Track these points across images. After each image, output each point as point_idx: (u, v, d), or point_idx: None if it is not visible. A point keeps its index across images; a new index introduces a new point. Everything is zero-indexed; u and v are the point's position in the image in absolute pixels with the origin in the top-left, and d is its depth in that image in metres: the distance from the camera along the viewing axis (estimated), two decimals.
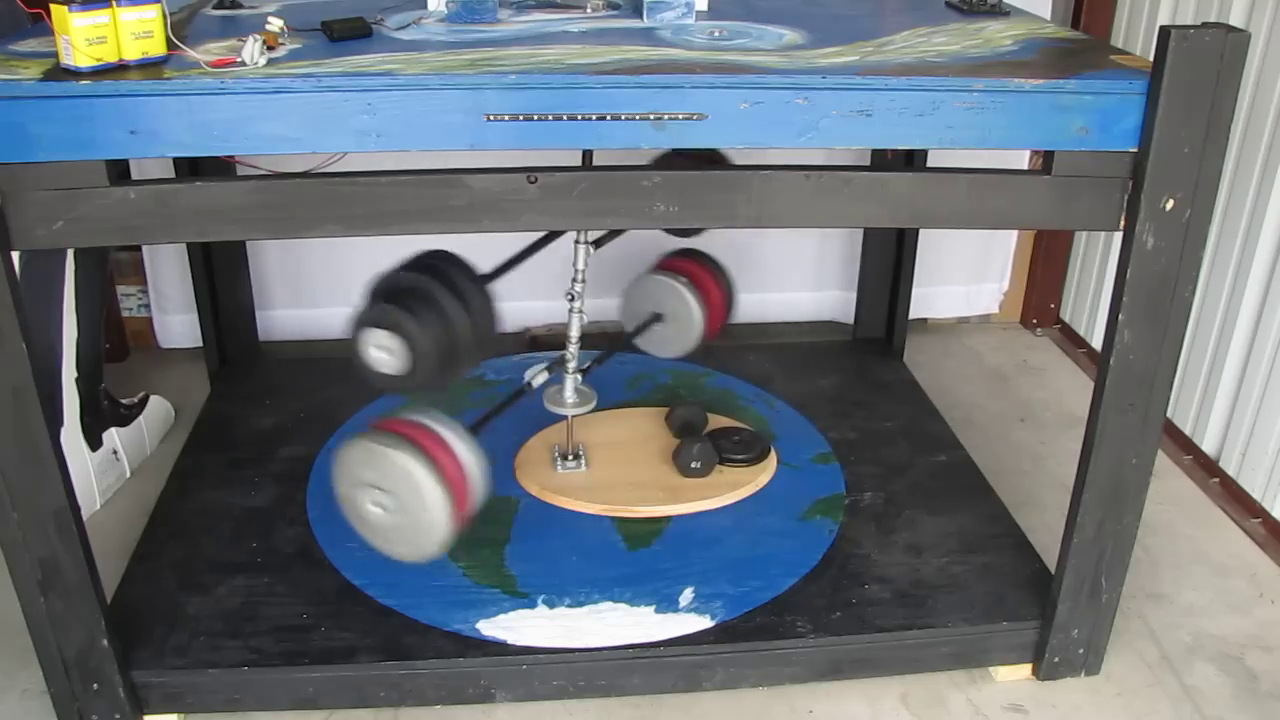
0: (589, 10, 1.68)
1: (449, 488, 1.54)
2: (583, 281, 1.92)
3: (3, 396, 1.36)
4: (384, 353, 1.56)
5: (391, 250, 2.71)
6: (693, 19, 1.63)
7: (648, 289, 2.14)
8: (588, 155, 1.68)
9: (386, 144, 1.29)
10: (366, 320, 1.57)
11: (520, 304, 2.71)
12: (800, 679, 1.78)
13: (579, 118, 1.30)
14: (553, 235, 1.88)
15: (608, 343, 2.29)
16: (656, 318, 2.14)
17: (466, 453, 1.59)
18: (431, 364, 1.55)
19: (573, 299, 1.93)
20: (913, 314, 2.72)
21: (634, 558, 1.88)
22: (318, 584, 1.82)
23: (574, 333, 1.96)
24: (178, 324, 2.69)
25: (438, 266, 1.62)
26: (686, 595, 1.79)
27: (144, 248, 2.62)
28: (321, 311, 2.74)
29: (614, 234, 1.99)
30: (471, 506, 1.61)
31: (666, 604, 1.78)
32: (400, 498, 1.55)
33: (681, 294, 2.08)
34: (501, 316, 1.67)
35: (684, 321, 2.11)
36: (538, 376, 1.94)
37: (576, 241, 1.90)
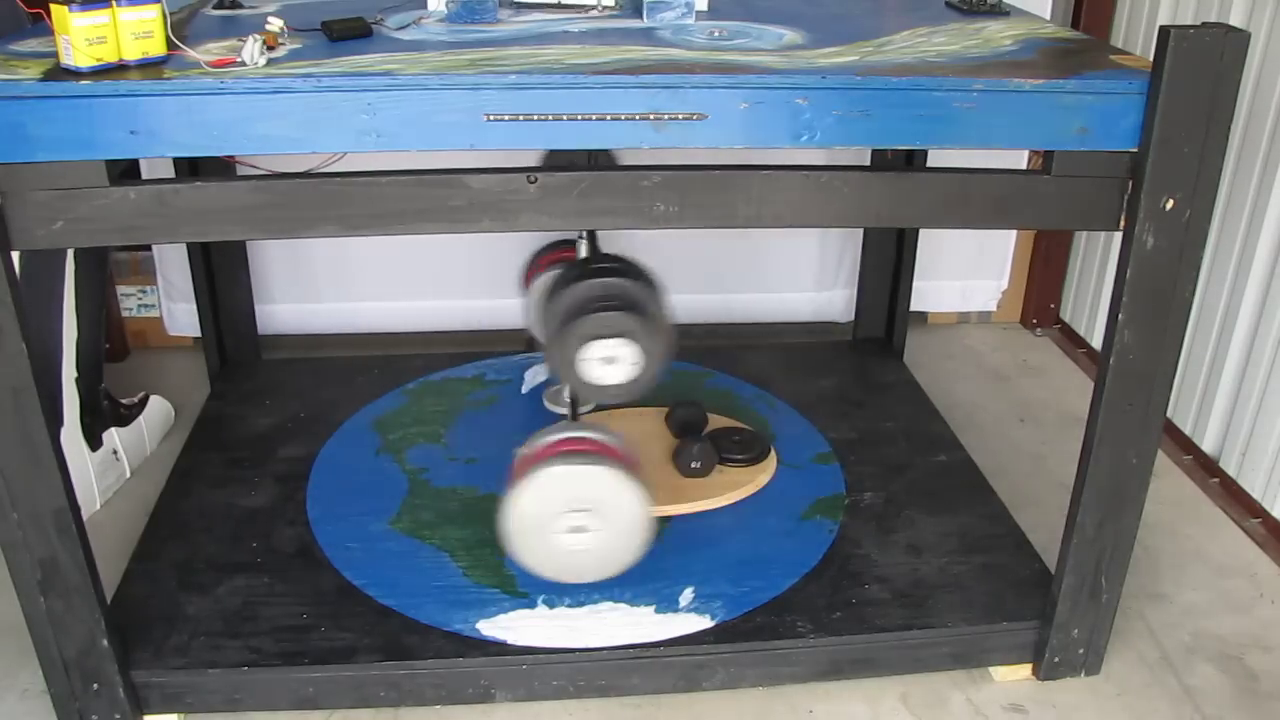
0: (596, 11, 1.68)
1: (635, 476, 1.53)
2: None
3: (3, 396, 1.36)
4: (611, 364, 1.51)
5: (393, 249, 2.73)
6: (693, 19, 1.63)
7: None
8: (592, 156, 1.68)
9: (386, 144, 1.29)
10: (585, 334, 1.50)
11: (520, 303, 2.71)
12: (800, 679, 1.78)
13: (579, 118, 1.30)
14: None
15: None
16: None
17: (610, 438, 1.58)
18: (659, 362, 1.51)
19: None
20: (911, 307, 2.72)
21: None
22: (317, 584, 1.82)
23: None
24: (184, 312, 2.69)
25: (611, 268, 1.58)
26: (686, 595, 1.79)
27: None
28: (324, 306, 2.74)
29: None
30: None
31: (666, 604, 1.77)
32: (602, 508, 1.54)
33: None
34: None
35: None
36: (537, 378, 1.94)
37: (577, 239, 1.90)
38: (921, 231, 2.60)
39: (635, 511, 1.55)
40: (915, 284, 2.67)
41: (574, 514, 1.54)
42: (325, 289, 2.72)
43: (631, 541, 1.59)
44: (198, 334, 2.56)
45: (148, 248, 2.67)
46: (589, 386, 1.57)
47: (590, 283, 1.58)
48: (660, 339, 1.53)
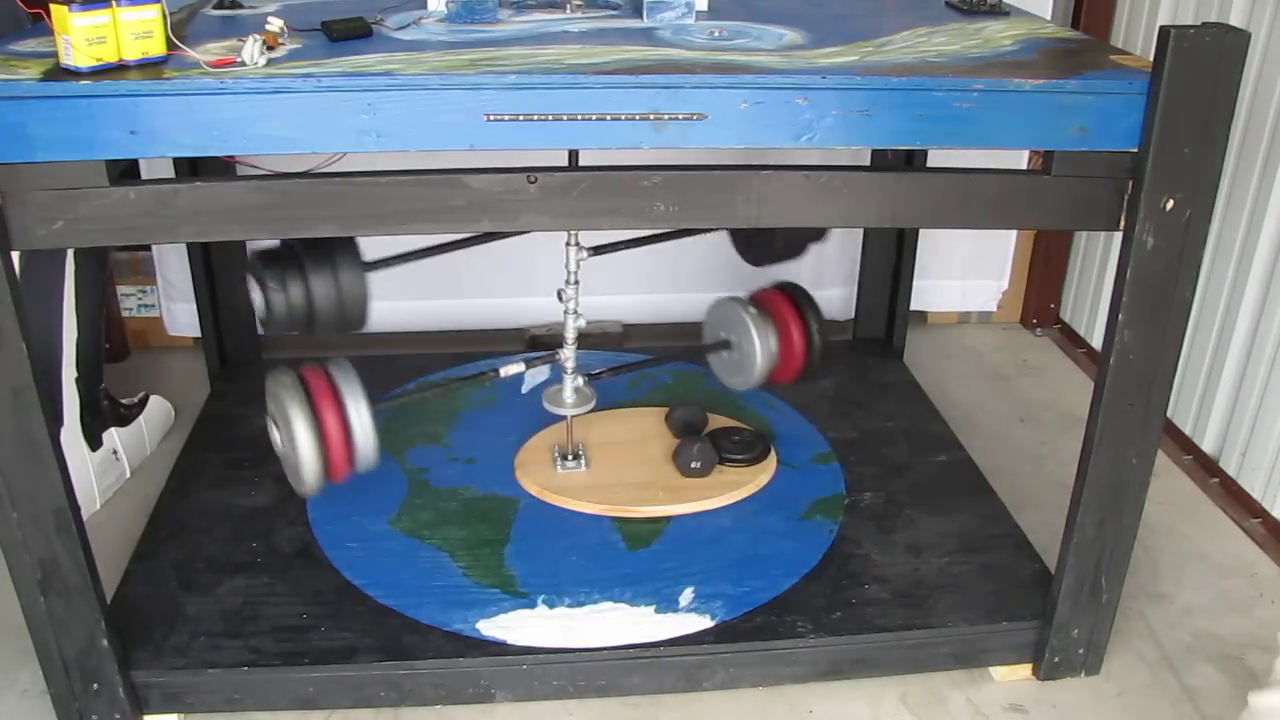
0: (568, 11, 1.68)
1: (323, 442, 1.71)
2: (575, 283, 1.92)
3: (3, 396, 1.36)
4: (255, 297, 1.73)
5: (393, 248, 2.72)
6: (693, 19, 1.63)
7: (725, 313, 2.09)
8: (574, 155, 1.68)
9: (386, 144, 1.29)
10: (248, 267, 1.74)
11: (520, 301, 2.71)
12: (800, 679, 1.78)
13: (579, 118, 1.30)
14: (490, 236, 1.86)
15: (607, 343, 2.29)
16: (725, 344, 2.10)
17: (357, 417, 1.74)
18: (282, 323, 1.73)
19: (563, 300, 1.93)
20: (911, 307, 2.72)
21: (634, 558, 1.88)
22: (318, 584, 1.82)
23: (569, 334, 1.96)
24: (184, 312, 2.69)
25: (329, 244, 1.74)
26: (686, 595, 1.79)
27: None
28: None
29: (616, 245, 1.96)
30: (345, 468, 1.76)
31: (666, 604, 1.77)
32: (287, 434, 1.71)
33: (749, 331, 2.00)
34: (367, 304, 1.79)
35: (746, 358, 2.04)
36: (512, 369, 1.96)
37: (566, 244, 1.90)
38: (921, 231, 2.60)
39: (298, 458, 1.72)
40: (915, 283, 2.67)
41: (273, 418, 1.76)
42: None
43: (297, 476, 1.74)
44: (198, 334, 2.56)
45: (148, 248, 2.67)
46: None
47: (295, 243, 1.76)
48: (283, 310, 1.73)
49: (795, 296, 2.09)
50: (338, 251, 1.73)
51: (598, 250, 1.93)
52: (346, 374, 1.77)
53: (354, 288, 1.75)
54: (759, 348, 2.01)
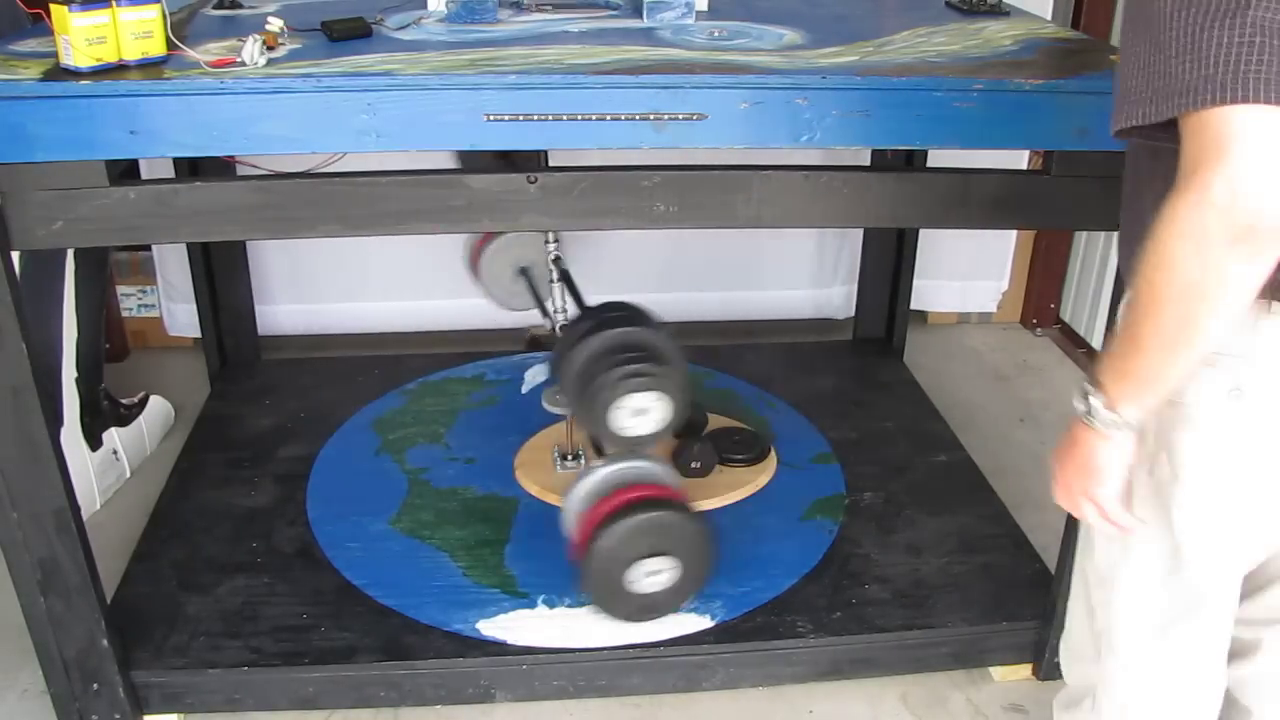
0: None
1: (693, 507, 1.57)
2: (563, 283, 1.92)
3: (3, 396, 1.36)
4: (641, 415, 1.52)
5: (393, 248, 2.73)
6: (693, 19, 1.63)
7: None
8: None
9: (386, 144, 1.29)
10: (614, 391, 1.51)
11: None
12: (800, 679, 1.78)
13: (579, 118, 1.30)
14: None
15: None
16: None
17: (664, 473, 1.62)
18: (683, 406, 1.52)
19: (561, 301, 1.94)
20: (912, 307, 2.72)
21: None
22: (318, 584, 1.82)
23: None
24: (184, 313, 2.70)
25: (613, 318, 1.59)
26: None
27: None
28: (325, 307, 2.74)
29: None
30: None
31: None
32: (679, 553, 1.57)
33: None
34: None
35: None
36: (537, 378, 1.95)
37: (551, 280, 1.90)
38: (921, 231, 2.60)
39: (704, 539, 1.57)
40: (915, 283, 2.67)
41: (650, 562, 1.56)
42: (325, 289, 2.72)
43: (705, 567, 1.61)
44: (198, 334, 2.56)
45: (148, 247, 2.67)
46: (620, 439, 1.58)
47: (609, 334, 1.57)
48: (681, 383, 1.55)
49: None
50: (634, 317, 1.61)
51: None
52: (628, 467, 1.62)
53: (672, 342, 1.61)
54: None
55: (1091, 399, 0.99)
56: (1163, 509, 1.07)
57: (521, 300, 2.17)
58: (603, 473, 1.60)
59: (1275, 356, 0.97)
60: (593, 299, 2.00)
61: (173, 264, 2.64)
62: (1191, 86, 0.79)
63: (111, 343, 2.62)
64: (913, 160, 2.18)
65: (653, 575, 1.57)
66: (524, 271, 2.13)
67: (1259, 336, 0.96)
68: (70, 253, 2.05)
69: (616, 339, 1.56)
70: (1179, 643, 1.16)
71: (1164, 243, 0.83)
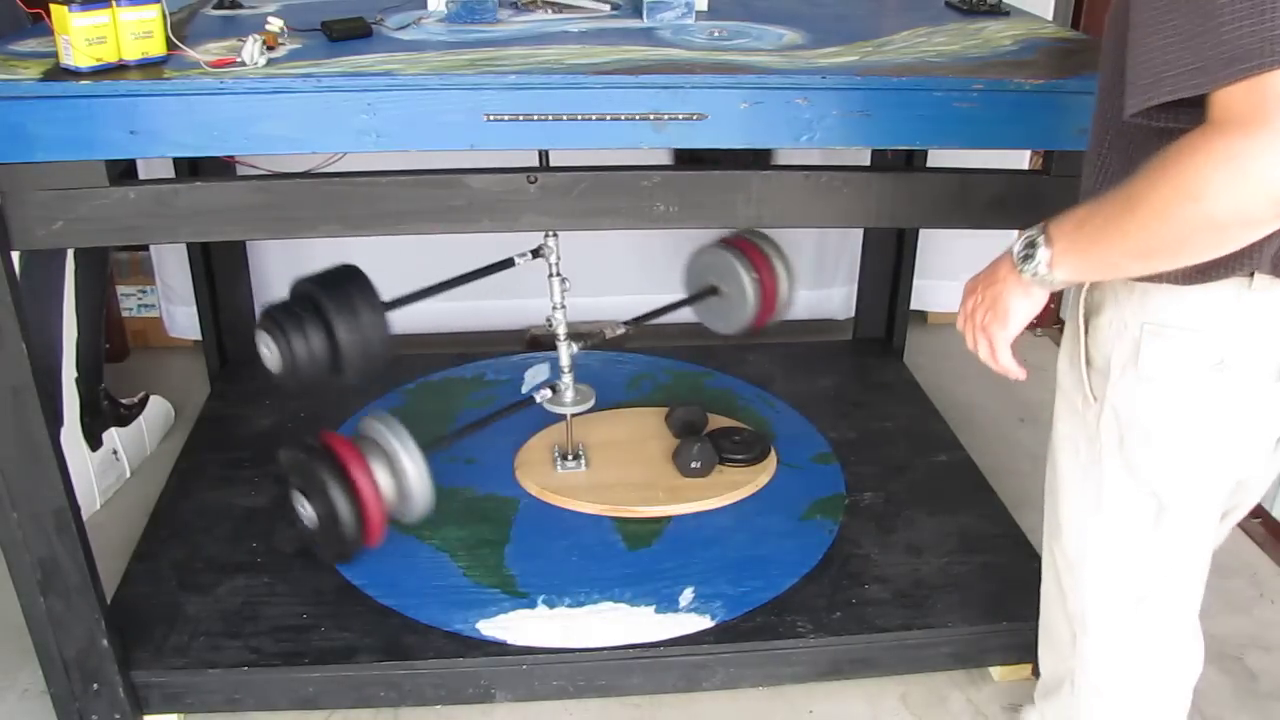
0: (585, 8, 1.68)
1: (361, 512, 1.61)
2: (562, 307, 1.92)
3: (3, 396, 1.36)
4: (267, 351, 1.63)
5: (392, 250, 2.72)
6: (693, 19, 1.63)
7: (714, 261, 2.13)
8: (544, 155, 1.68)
9: (386, 144, 1.29)
10: (262, 320, 1.65)
11: (520, 303, 2.71)
12: (800, 679, 1.78)
13: (579, 118, 1.30)
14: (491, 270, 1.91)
15: (607, 344, 2.28)
16: (713, 290, 2.15)
17: (389, 479, 1.64)
18: (304, 374, 1.63)
19: (553, 325, 1.94)
20: (912, 306, 2.71)
21: (634, 558, 1.88)
22: (318, 584, 1.81)
23: (561, 330, 1.96)
24: (184, 315, 2.69)
25: (342, 285, 1.68)
26: (686, 595, 1.79)
27: None
28: None
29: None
30: (383, 529, 1.65)
31: (666, 604, 1.77)
32: (318, 511, 1.62)
33: (742, 279, 2.08)
34: (388, 346, 1.73)
35: (737, 304, 2.11)
36: (537, 378, 1.94)
37: (550, 275, 1.90)
38: (921, 231, 2.60)
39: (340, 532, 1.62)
40: (916, 283, 2.67)
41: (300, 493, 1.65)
42: None
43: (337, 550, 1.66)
44: (198, 336, 2.56)
45: (147, 247, 2.67)
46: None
47: (307, 285, 1.68)
48: (303, 361, 1.63)
49: (766, 244, 2.15)
50: (355, 293, 1.68)
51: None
52: (382, 428, 1.68)
53: (376, 329, 1.71)
54: (749, 288, 2.07)
55: (1039, 250, 1.02)
56: (1136, 470, 1.11)
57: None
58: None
59: (1255, 328, 1.01)
60: (593, 299, 2.00)
61: (171, 266, 2.64)
62: (1254, 50, 0.80)
63: (111, 343, 2.62)
64: (913, 160, 2.18)
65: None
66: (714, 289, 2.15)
67: (1241, 309, 1.00)
68: (70, 253, 2.05)
69: (304, 290, 1.67)
70: (1155, 610, 1.20)
71: (1201, 173, 0.84)
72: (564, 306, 1.94)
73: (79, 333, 2.09)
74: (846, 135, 1.35)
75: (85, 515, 1.60)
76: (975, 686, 1.81)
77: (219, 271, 2.44)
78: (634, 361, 2.54)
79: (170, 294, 2.70)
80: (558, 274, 1.92)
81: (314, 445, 1.67)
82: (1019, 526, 2.01)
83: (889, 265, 2.64)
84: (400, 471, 1.63)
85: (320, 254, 2.66)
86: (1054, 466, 1.23)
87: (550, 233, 1.88)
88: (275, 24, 1.39)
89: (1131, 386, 1.08)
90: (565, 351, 1.97)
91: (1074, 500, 1.20)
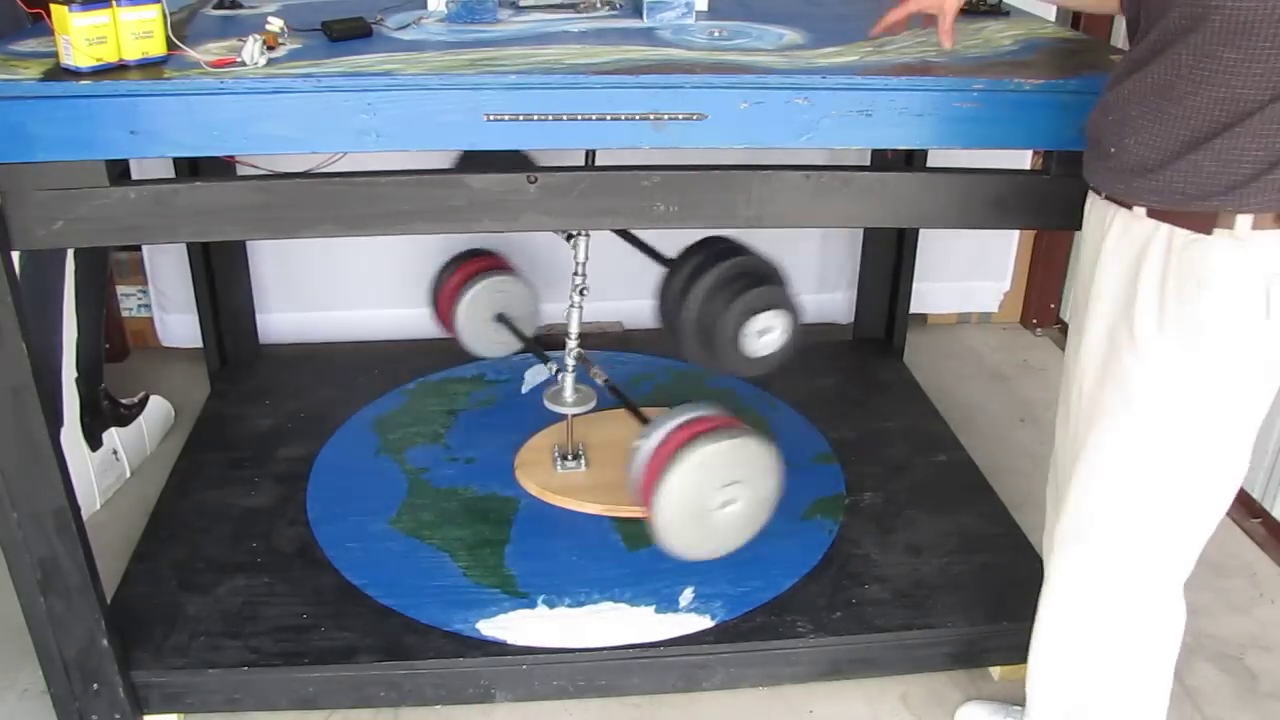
0: (583, 7, 1.68)
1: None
2: (583, 275, 1.92)
3: (3, 396, 1.36)
4: (770, 334, 1.62)
5: (390, 252, 2.72)
6: (693, 19, 1.63)
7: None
8: (590, 155, 1.68)
9: (386, 144, 1.29)
10: (748, 309, 1.61)
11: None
12: (800, 679, 1.78)
13: (579, 118, 1.30)
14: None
15: (607, 343, 2.29)
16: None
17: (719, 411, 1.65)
18: (798, 327, 1.63)
19: (579, 293, 1.93)
20: (912, 309, 2.71)
21: (634, 558, 1.88)
22: (318, 584, 1.82)
23: (573, 328, 1.96)
24: (177, 323, 2.69)
25: (735, 246, 1.67)
26: (686, 595, 1.79)
27: (145, 247, 2.62)
28: (320, 315, 2.73)
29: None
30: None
31: (666, 604, 1.78)
32: (751, 481, 1.60)
33: None
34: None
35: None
36: (538, 378, 1.94)
37: (575, 234, 1.89)
38: (923, 235, 2.60)
39: (771, 463, 1.62)
40: (918, 287, 2.67)
41: (726, 489, 1.60)
42: (321, 297, 2.72)
43: (771, 492, 1.64)
44: (191, 344, 2.55)
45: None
46: (750, 361, 1.67)
47: (727, 264, 1.66)
48: (791, 297, 1.66)
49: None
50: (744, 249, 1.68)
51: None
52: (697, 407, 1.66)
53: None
54: None
55: None
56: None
57: (501, 346, 2.21)
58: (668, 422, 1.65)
59: None
60: (593, 300, 2.00)
61: (165, 273, 2.63)
62: None
63: (111, 343, 2.62)
64: (913, 160, 2.18)
65: (728, 504, 1.62)
66: (500, 317, 2.16)
67: None
68: (70, 253, 2.05)
69: (737, 267, 1.66)
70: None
71: None
72: (582, 307, 1.94)
73: (79, 333, 2.09)
74: (846, 135, 1.35)
75: (85, 515, 1.60)
76: (975, 686, 1.81)
77: (219, 272, 2.44)
78: (634, 361, 2.54)
79: (164, 301, 2.69)
80: (584, 272, 1.92)
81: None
82: (1019, 526, 2.01)
83: (889, 265, 2.64)
84: None
85: (319, 257, 2.69)
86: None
87: (581, 233, 1.89)
88: (275, 24, 1.39)
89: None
90: (573, 350, 1.97)
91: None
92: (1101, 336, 1.27)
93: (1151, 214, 1.17)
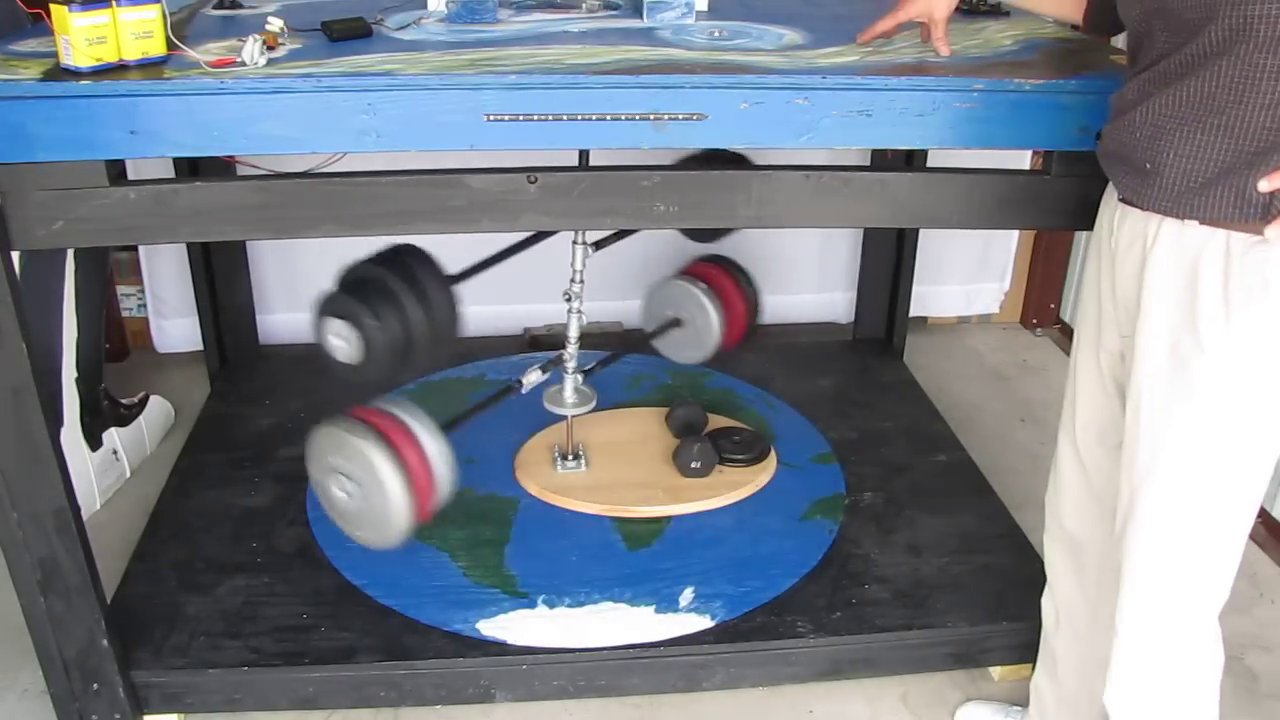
0: (584, 9, 1.68)
1: (411, 482, 1.55)
2: (580, 282, 1.92)
3: (3, 396, 1.36)
4: (341, 341, 1.59)
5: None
6: (693, 19, 1.63)
7: (669, 293, 2.12)
8: (584, 155, 1.68)
9: (386, 144, 1.29)
10: (327, 308, 1.60)
11: (520, 305, 2.71)
12: (800, 679, 1.78)
13: (579, 118, 1.30)
14: (540, 236, 1.87)
15: (608, 343, 2.28)
16: (675, 322, 2.12)
17: (434, 449, 1.61)
18: (384, 359, 1.58)
19: (570, 299, 1.93)
20: (913, 312, 2.72)
21: (634, 558, 1.88)
22: (318, 584, 1.82)
23: (573, 333, 1.96)
24: (174, 328, 2.69)
25: (405, 262, 1.62)
26: (686, 595, 1.79)
27: (141, 252, 2.61)
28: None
29: (616, 235, 1.98)
30: (434, 503, 1.61)
31: (666, 604, 1.77)
32: (364, 486, 1.55)
33: (701, 302, 2.06)
34: (462, 320, 1.65)
35: (702, 329, 2.09)
36: (531, 376, 1.93)
37: (574, 241, 1.90)
38: (924, 238, 2.60)
39: (388, 507, 1.55)
40: (918, 289, 2.67)
41: (341, 475, 1.57)
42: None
43: (383, 528, 1.57)
44: (187, 349, 2.55)
45: None
46: (325, 353, 1.65)
47: (371, 267, 1.63)
48: (387, 343, 1.58)
49: (724, 265, 2.14)
50: (421, 270, 1.62)
51: (599, 245, 1.92)
52: (399, 407, 1.63)
53: (446, 307, 1.63)
54: (714, 316, 2.06)
55: None
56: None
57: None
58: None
59: None
60: (593, 301, 2.00)
61: (162, 278, 2.63)
62: None
63: (111, 343, 2.62)
64: (913, 160, 2.18)
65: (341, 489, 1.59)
66: (675, 321, 2.14)
67: None
68: (70, 253, 2.05)
69: (368, 272, 1.62)
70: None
71: None
72: (582, 313, 1.94)
73: (79, 333, 2.09)
74: (846, 135, 1.35)
75: (85, 515, 1.60)
76: (975, 686, 1.81)
77: (219, 272, 2.44)
78: (634, 361, 2.53)
79: (161, 307, 2.68)
80: (582, 280, 1.92)
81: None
82: (1019, 526, 2.01)
83: (889, 265, 2.64)
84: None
85: (319, 258, 2.67)
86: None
87: (580, 238, 1.89)
88: (275, 24, 1.38)
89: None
90: (572, 355, 1.96)
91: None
92: (1162, 351, 1.22)
93: (1204, 222, 1.14)
